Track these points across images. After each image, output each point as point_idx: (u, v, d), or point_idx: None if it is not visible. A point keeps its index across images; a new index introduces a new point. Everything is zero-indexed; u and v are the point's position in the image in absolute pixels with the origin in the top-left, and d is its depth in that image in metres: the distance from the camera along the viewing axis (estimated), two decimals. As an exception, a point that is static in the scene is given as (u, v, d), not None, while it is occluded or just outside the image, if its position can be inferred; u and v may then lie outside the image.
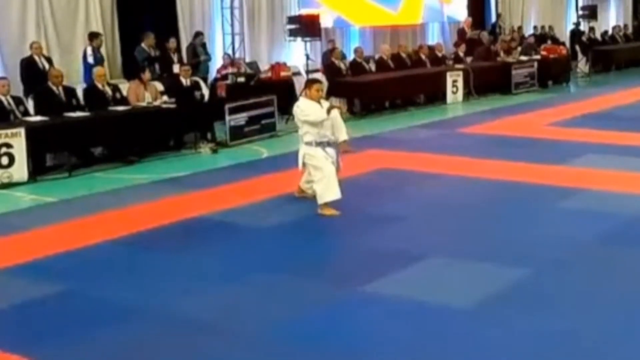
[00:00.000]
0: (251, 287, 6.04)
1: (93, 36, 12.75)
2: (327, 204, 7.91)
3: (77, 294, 5.98)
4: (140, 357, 4.93)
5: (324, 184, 7.85)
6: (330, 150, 8.04)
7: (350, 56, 16.59)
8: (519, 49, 19.65)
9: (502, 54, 18.74)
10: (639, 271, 6.27)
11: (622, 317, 5.32)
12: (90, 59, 12.43)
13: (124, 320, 5.45)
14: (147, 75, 12.02)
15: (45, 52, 12.31)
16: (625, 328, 5.15)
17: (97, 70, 11.62)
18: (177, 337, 5.16)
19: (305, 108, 8.02)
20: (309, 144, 8.00)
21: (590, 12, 23.15)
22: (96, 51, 12.62)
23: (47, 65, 11.85)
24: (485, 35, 19.63)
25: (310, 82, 8.43)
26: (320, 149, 7.97)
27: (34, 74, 11.72)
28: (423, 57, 17.37)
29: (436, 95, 16.65)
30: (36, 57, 11.93)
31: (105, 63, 12.79)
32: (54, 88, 10.96)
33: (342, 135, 8.24)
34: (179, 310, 5.60)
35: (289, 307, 5.63)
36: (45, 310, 5.66)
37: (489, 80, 17.61)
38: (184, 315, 5.49)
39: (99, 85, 11.41)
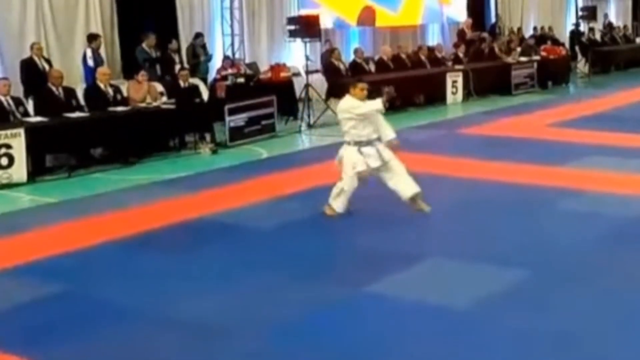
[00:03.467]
0: (252, 288, 6.04)
1: (92, 38, 12.72)
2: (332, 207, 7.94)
3: (76, 294, 5.98)
4: (139, 357, 4.93)
5: (344, 196, 7.87)
6: (368, 149, 7.94)
7: (350, 57, 16.58)
8: (519, 49, 19.64)
9: (497, 51, 18.71)
10: (638, 272, 6.27)
11: (621, 318, 5.32)
12: (91, 62, 12.39)
13: (124, 320, 5.46)
14: (141, 75, 11.99)
15: (44, 52, 12.30)
16: (624, 329, 5.15)
17: (101, 69, 11.61)
18: (177, 338, 5.16)
19: (355, 102, 7.99)
20: (347, 143, 7.98)
21: (590, 13, 23.14)
22: (95, 53, 12.60)
23: (47, 67, 11.84)
24: (486, 37, 19.62)
25: (355, 82, 8.45)
26: (356, 149, 7.95)
27: (33, 75, 11.70)
28: (423, 58, 17.36)
29: (436, 96, 16.62)
30: (36, 58, 11.91)
31: (105, 64, 12.77)
32: (54, 89, 10.95)
33: (390, 133, 8.12)
34: (178, 311, 5.60)
35: (290, 307, 5.63)
36: (45, 311, 5.66)
37: (489, 81, 17.60)
38: (183, 316, 5.49)
39: (101, 85, 11.39)
